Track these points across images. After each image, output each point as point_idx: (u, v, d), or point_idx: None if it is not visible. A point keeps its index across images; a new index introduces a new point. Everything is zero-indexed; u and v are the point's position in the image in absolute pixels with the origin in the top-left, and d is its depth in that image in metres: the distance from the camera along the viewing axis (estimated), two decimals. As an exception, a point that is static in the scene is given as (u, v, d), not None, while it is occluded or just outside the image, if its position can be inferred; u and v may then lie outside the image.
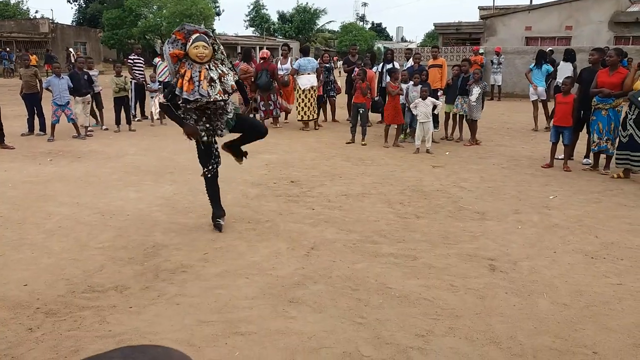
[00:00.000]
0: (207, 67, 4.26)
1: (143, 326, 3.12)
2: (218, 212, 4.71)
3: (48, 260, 4.10)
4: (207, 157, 4.57)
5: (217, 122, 4.47)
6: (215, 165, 4.64)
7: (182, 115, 4.40)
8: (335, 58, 17.34)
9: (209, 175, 4.64)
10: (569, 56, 10.22)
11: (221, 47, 4.42)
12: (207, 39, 4.25)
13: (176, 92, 4.26)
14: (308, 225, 4.93)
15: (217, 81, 4.25)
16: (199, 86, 4.17)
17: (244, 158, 5.04)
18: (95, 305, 3.38)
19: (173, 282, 3.73)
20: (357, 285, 3.66)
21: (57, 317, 3.23)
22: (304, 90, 10.42)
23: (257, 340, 2.97)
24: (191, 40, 4.21)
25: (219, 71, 4.32)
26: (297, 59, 10.89)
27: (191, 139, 4.53)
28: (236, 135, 4.83)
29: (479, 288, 3.63)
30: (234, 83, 4.41)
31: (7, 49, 29.55)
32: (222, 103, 4.37)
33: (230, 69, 4.47)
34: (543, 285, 3.68)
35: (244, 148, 4.99)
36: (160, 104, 4.43)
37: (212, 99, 4.22)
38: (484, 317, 3.23)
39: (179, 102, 4.32)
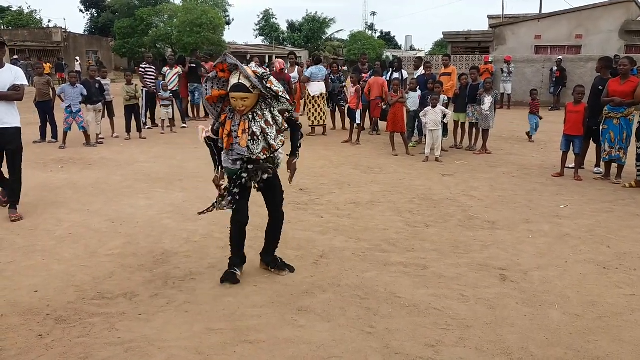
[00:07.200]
0: (249, 117, 3.50)
1: (152, 333, 3.12)
2: (236, 260, 3.94)
3: (58, 267, 4.13)
4: (233, 194, 3.74)
5: (260, 171, 3.70)
6: (234, 204, 3.79)
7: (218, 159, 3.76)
8: (343, 67, 17.46)
9: (231, 207, 3.79)
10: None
11: (273, 82, 3.49)
12: (248, 86, 3.39)
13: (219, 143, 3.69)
14: (317, 234, 4.92)
15: (259, 137, 3.50)
16: (236, 143, 3.51)
17: (287, 270, 4.07)
18: (105, 312, 3.39)
19: (182, 289, 3.73)
20: (367, 294, 3.64)
21: (66, 323, 3.24)
22: (314, 97, 10.91)
23: (265, 348, 2.96)
24: (230, 84, 3.43)
25: (263, 122, 3.51)
26: (308, 67, 11.20)
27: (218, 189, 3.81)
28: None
29: (490, 298, 3.60)
30: (273, 143, 3.57)
31: (15, 57, 29.82)
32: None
33: (285, 109, 3.65)
34: (554, 296, 3.63)
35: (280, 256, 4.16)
36: (204, 138, 3.74)
37: (254, 156, 3.55)
38: (495, 328, 3.20)
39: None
